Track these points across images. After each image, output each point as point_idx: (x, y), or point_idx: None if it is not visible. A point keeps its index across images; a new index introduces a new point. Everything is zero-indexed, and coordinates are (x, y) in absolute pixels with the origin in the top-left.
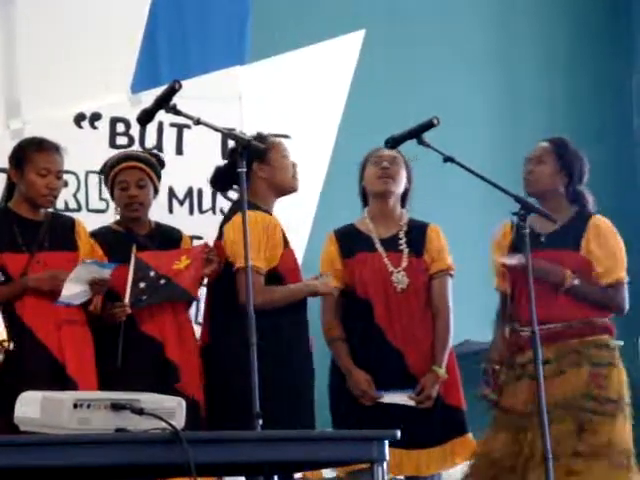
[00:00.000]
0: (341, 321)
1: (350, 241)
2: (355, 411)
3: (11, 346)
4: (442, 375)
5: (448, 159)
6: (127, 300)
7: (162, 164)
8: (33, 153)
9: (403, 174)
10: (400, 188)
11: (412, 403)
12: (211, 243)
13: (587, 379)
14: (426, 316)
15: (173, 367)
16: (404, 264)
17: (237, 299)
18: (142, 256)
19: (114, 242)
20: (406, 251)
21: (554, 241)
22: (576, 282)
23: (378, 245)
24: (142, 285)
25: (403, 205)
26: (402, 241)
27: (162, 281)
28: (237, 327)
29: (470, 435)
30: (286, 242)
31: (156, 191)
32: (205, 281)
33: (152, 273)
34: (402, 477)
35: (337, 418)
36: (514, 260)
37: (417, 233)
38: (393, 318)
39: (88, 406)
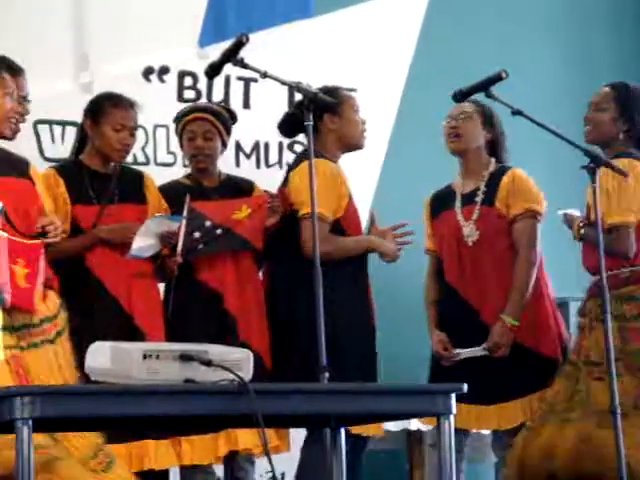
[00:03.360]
0: (437, 283)
1: (439, 201)
2: (438, 371)
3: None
4: (509, 322)
5: (517, 112)
6: (179, 250)
7: (234, 118)
8: (110, 108)
9: (476, 127)
10: (475, 142)
11: (485, 353)
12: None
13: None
14: (503, 266)
15: (231, 318)
16: (475, 216)
17: (301, 247)
18: (200, 206)
19: (179, 195)
20: (479, 202)
21: None
22: (582, 232)
23: (457, 200)
24: (196, 235)
25: (494, 154)
26: (480, 192)
27: (218, 231)
28: (301, 277)
29: None
30: (350, 195)
31: (224, 144)
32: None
33: (208, 223)
34: (488, 431)
35: (430, 378)
36: (575, 212)
37: (494, 182)
38: (465, 274)
39: (157, 357)
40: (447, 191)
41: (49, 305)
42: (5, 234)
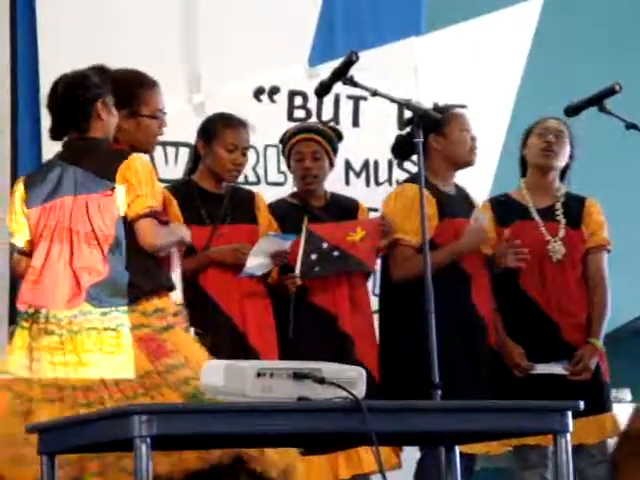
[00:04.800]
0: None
1: (506, 209)
2: (509, 382)
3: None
4: (600, 348)
5: (631, 126)
6: (298, 271)
7: (340, 137)
8: (222, 128)
9: (567, 149)
10: (562, 162)
11: (566, 373)
12: None
13: None
14: (581, 289)
15: (347, 339)
16: (561, 234)
17: (389, 273)
18: (315, 228)
19: (288, 214)
20: (563, 221)
21: None
22: None
23: (535, 214)
24: (314, 257)
25: (562, 179)
26: (559, 212)
27: (335, 252)
28: (409, 297)
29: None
30: (443, 214)
31: (332, 164)
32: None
33: (325, 245)
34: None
35: (495, 389)
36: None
37: (575, 205)
38: (547, 288)
39: (271, 375)
40: (510, 201)
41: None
42: None
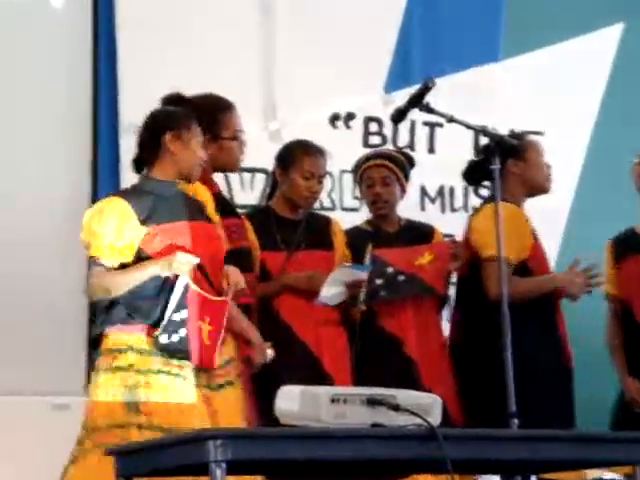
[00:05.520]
0: (621, 328)
1: (624, 245)
2: (629, 417)
3: (269, 354)
4: None
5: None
6: (362, 297)
7: (411, 163)
8: (300, 156)
9: None
10: None
11: None
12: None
13: None
14: None
15: (412, 364)
16: None
17: (486, 291)
18: (382, 253)
19: (361, 241)
20: None
21: None
22: None
23: None
24: (379, 281)
25: None
26: None
27: (401, 277)
28: (487, 323)
29: None
30: (535, 236)
31: (403, 190)
32: (454, 278)
33: (390, 269)
34: None
35: (615, 423)
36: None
37: None
38: None
39: (345, 401)
40: (632, 235)
41: (229, 347)
42: (197, 289)
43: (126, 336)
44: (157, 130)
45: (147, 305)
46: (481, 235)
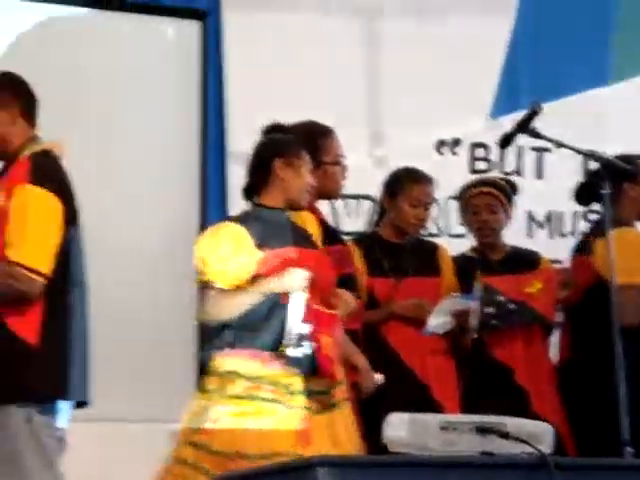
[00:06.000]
0: None
1: None
2: None
3: (378, 379)
4: None
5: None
6: (473, 325)
7: (514, 190)
8: (408, 183)
9: None
10: None
11: None
12: None
13: None
14: None
15: (522, 393)
16: None
17: (620, 318)
18: (491, 281)
19: (467, 268)
20: None
21: None
22: None
23: None
24: (490, 310)
25: None
26: None
27: (511, 305)
28: (602, 348)
29: None
30: None
31: (508, 217)
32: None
33: (501, 297)
34: None
35: None
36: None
37: None
38: None
39: (454, 429)
40: None
41: (338, 370)
42: (314, 304)
43: (237, 360)
44: (267, 157)
45: (258, 328)
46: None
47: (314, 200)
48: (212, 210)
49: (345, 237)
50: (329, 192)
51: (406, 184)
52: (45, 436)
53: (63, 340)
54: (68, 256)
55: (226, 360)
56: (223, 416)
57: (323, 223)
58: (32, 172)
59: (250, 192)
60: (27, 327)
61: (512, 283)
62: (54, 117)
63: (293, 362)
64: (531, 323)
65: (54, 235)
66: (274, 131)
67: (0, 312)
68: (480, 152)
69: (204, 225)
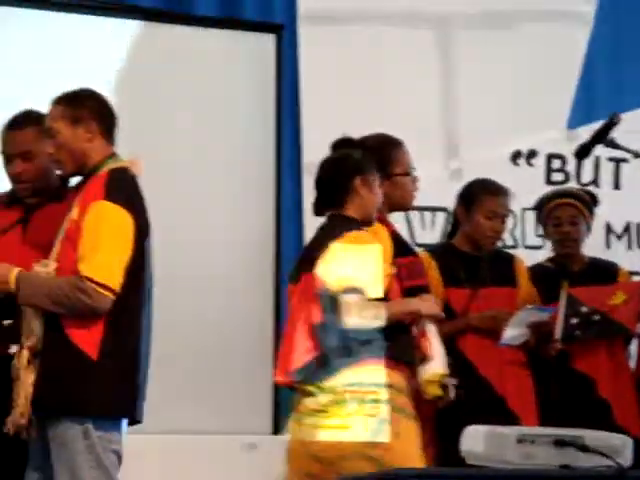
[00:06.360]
0: None
1: None
2: None
3: (452, 394)
4: None
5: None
6: (558, 336)
7: (595, 201)
8: (483, 196)
9: None
10: None
11: None
12: None
13: None
14: None
15: (605, 405)
16: None
17: None
18: (574, 292)
19: (546, 279)
20: None
21: None
22: None
23: None
24: (574, 321)
25: None
26: None
27: (596, 317)
28: None
29: None
30: None
31: (589, 228)
32: None
33: (585, 309)
34: None
35: None
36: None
37: None
38: None
39: (532, 441)
40: None
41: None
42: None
43: (388, 371)
44: (348, 174)
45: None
46: None
47: (386, 212)
48: (286, 224)
49: (419, 249)
50: (401, 204)
51: (481, 196)
52: (103, 450)
53: (126, 356)
54: (140, 272)
55: (381, 370)
56: (403, 431)
57: (394, 235)
58: (107, 187)
59: (321, 206)
60: (90, 341)
61: (595, 294)
62: (137, 130)
63: None
64: (615, 335)
65: (125, 251)
66: (344, 145)
67: (65, 324)
68: (557, 163)
69: (279, 239)
